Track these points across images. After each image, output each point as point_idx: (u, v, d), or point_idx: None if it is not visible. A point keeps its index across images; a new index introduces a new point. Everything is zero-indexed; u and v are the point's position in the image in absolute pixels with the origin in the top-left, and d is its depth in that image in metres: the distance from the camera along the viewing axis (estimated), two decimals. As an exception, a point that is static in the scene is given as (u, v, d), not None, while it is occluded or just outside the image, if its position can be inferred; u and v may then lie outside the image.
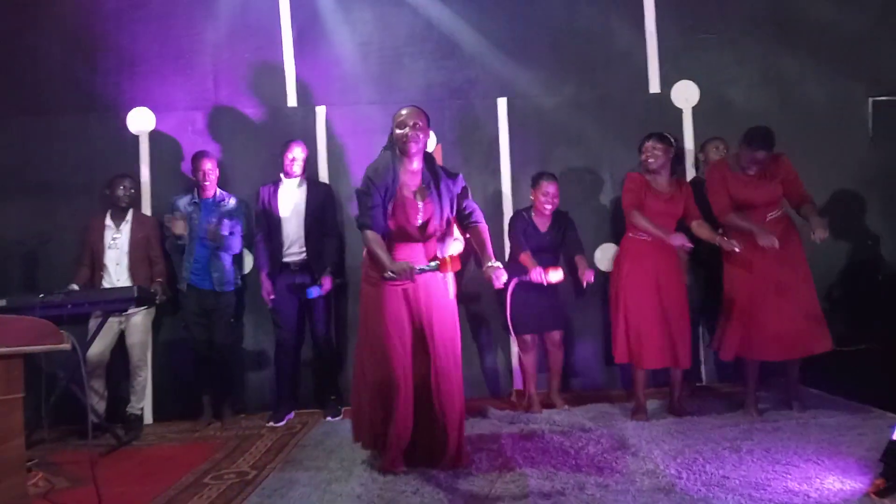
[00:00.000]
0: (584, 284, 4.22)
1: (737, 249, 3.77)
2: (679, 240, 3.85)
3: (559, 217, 4.43)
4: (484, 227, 3.41)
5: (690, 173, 4.89)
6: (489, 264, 3.25)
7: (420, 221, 3.28)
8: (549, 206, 4.33)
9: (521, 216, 4.42)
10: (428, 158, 3.37)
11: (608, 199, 4.95)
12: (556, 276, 4.12)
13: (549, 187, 4.32)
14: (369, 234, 3.24)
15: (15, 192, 4.85)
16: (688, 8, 5.05)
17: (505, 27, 5.02)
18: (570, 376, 4.82)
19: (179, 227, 4.42)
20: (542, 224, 4.38)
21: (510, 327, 4.17)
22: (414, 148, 3.25)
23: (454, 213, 3.37)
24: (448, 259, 3.17)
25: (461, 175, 3.43)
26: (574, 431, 3.80)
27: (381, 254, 3.21)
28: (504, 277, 3.24)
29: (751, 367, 3.96)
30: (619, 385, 4.81)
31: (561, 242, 4.41)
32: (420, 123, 3.26)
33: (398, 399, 3.24)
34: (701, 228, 3.97)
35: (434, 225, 3.31)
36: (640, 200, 3.97)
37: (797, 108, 4.96)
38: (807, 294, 3.88)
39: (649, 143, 4.01)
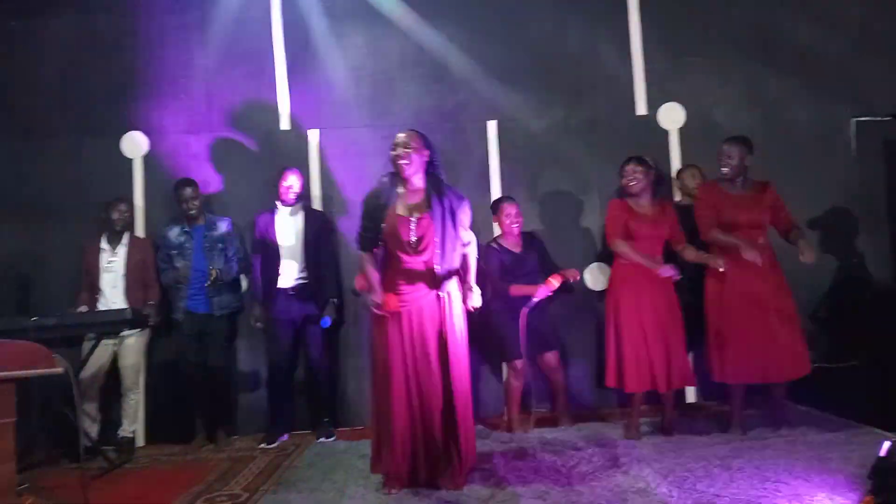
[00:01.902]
0: (572, 280, 4.28)
1: (721, 269, 3.83)
2: (668, 271, 3.92)
3: (528, 238, 4.48)
4: (471, 256, 3.47)
5: (676, 196, 4.95)
6: (469, 293, 3.35)
7: (413, 237, 3.31)
8: (515, 226, 4.37)
9: (492, 249, 4.42)
10: (432, 178, 3.41)
11: (596, 220, 4.98)
12: (556, 281, 4.17)
13: (509, 209, 4.39)
14: (364, 255, 3.46)
15: (8, 215, 4.86)
16: (673, 31, 5.15)
17: (494, 52, 5.11)
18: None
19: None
20: (515, 247, 4.42)
21: (521, 352, 4.20)
22: (405, 168, 3.34)
23: (457, 233, 3.38)
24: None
25: (468, 202, 3.45)
26: (566, 450, 3.81)
27: (370, 277, 3.42)
28: (475, 301, 3.33)
29: (734, 388, 3.99)
30: (613, 403, 4.81)
31: (541, 262, 4.45)
32: (413, 144, 3.34)
33: (395, 421, 3.29)
34: (688, 251, 4.03)
35: (430, 241, 3.32)
36: (623, 229, 4.01)
37: (782, 130, 5.04)
38: (789, 320, 3.89)
39: (629, 167, 4.05)
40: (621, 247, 4.01)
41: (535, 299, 4.19)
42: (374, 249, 3.43)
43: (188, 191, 4.58)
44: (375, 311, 3.34)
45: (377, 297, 3.35)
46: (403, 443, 3.30)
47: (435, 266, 3.34)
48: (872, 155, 5.10)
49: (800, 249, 3.82)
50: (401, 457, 3.30)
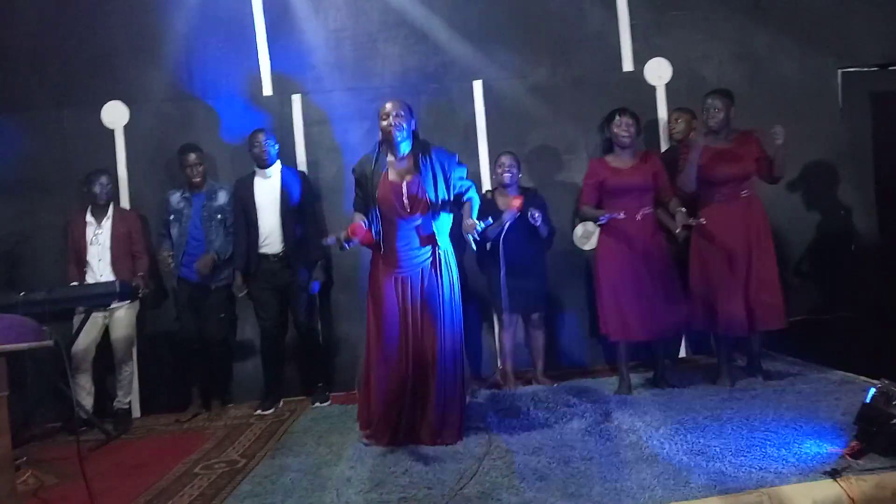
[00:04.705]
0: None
1: (700, 222, 3.87)
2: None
3: (526, 193, 4.41)
4: (473, 199, 3.59)
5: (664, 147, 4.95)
6: (467, 220, 3.41)
7: (406, 200, 3.46)
8: (507, 175, 4.38)
9: (485, 197, 4.43)
10: (419, 142, 3.57)
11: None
12: (517, 201, 3.91)
13: (503, 159, 4.43)
14: (356, 214, 3.60)
15: (-10, 191, 4.79)
16: (658, -15, 5.08)
17: (478, 10, 5.03)
18: (554, 353, 4.84)
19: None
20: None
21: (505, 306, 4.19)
22: (396, 136, 3.48)
23: (450, 192, 3.51)
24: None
25: (456, 156, 3.62)
26: (558, 407, 3.85)
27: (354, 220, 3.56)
28: (476, 225, 3.33)
29: (718, 340, 4.05)
30: (603, 360, 4.87)
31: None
32: (401, 113, 3.49)
33: (388, 377, 3.45)
34: (672, 204, 4.00)
35: (422, 202, 3.46)
36: (598, 191, 4.07)
37: (768, 83, 5.01)
38: (768, 273, 3.92)
39: (624, 119, 4.01)
40: (587, 212, 4.11)
41: (507, 223, 4.02)
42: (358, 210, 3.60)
43: (192, 157, 4.51)
44: (344, 239, 3.39)
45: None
46: (394, 401, 3.44)
47: (428, 225, 3.48)
48: (859, 105, 5.09)
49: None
50: (391, 414, 3.45)
